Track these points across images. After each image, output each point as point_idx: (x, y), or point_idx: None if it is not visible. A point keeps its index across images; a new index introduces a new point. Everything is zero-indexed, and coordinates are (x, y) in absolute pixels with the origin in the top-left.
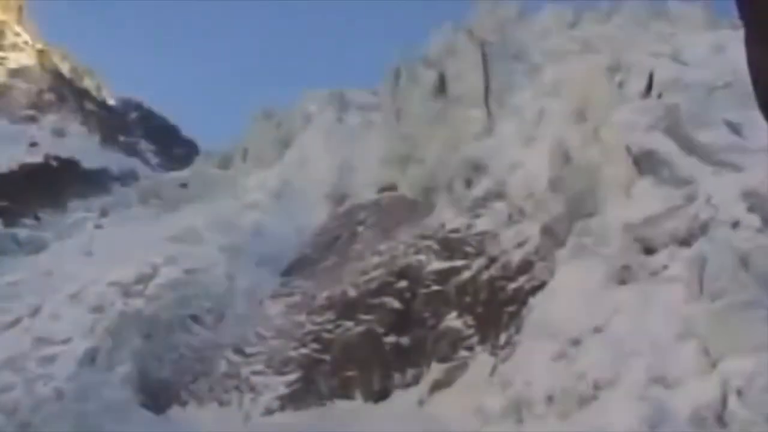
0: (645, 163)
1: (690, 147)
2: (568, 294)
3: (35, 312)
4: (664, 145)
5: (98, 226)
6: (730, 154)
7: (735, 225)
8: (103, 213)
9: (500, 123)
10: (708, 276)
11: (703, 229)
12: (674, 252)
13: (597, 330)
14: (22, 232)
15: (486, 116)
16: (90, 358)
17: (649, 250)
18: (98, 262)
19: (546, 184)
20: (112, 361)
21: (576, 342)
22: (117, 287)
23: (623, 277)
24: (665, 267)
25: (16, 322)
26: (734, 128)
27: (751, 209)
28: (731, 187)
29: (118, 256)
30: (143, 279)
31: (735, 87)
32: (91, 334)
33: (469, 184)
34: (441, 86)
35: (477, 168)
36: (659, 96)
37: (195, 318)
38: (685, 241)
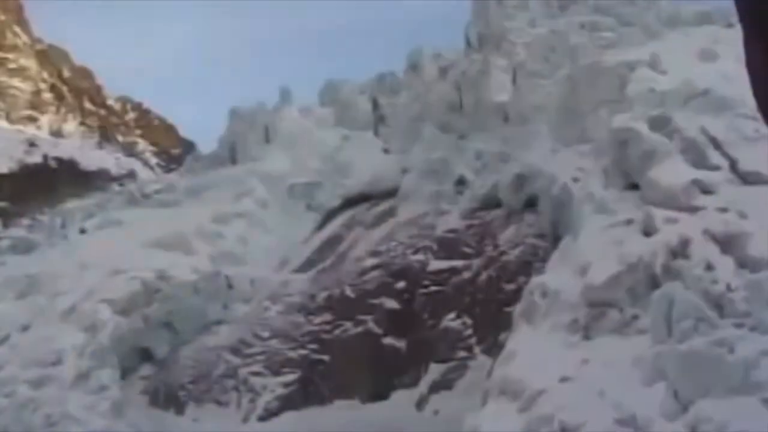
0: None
1: (645, 190)
2: (530, 354)
3: (25, 329)
4: (611, 194)
5: (83, 230)
6: (689, 196)
7: (708, 268)
8: (89, 215)
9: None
10: (676, 317)
11: (675, 276)
12: (643, 304)
13: (563, 379)
14: (18, 233)
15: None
16: (81, 381)
17: (614, 308)
18: (87, 273)
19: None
20: (103, 384)
21: (542, 392)
22: (109, 305)
23: (587, 333)
24: (634, 317)
25: (5, 339)
26: (698, 150)
27: (724, 251)
28: (697, 232)
29: (107, 265)
30: (136, 295)
31: (711, 94)
32: (83, 356)
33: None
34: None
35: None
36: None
37: (188, 331)
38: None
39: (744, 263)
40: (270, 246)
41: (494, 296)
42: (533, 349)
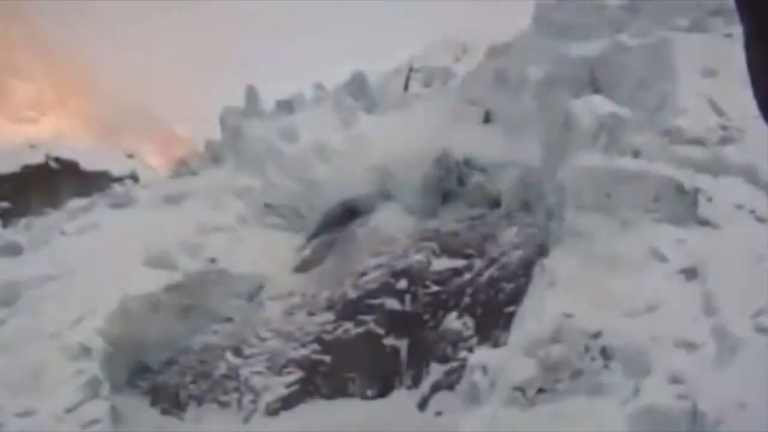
0: None
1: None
2: (490, 422)
3: (10, 352)
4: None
5: (63, 233)
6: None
7: (670, 318)
8: (73, 216)
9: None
10: (641, 371)
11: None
12: (604, 372)
13: None
14: (10, 235)
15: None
16: (71, 413)
17: (565, 381)
18: (72, 293)
19: None
20: (94, 418)
21: None
22: (100, 335)
23: (545, 400)
24: (598, 385)
25: None
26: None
27: (688, 298)
28: (654, 286)
29: (92, 285)
30: (128, 325)
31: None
32: (74, 387)
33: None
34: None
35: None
36: None
37: (183, 342)
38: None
39: (708, 309)
40: (257, 259)
41: (496, 296)
42: (492, 418)
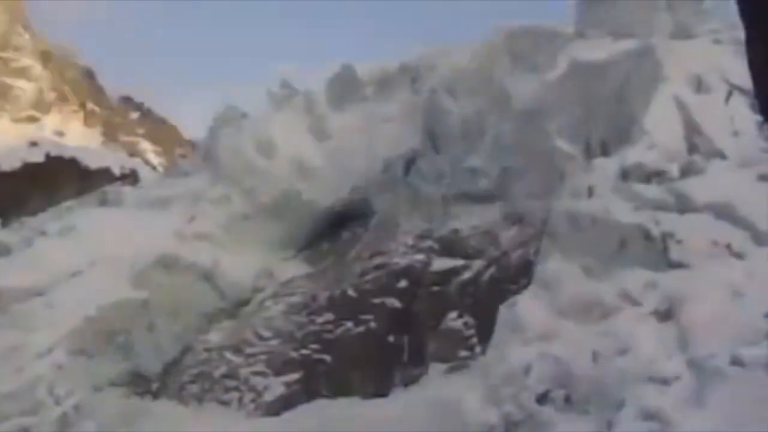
0: None
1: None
2: None
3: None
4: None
5: (45, 234)
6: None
7: (646, 351)
8: (59, 216)
9: None
10: (614, 406)
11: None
12: (573, 409)
13: None
14: (5, 235)
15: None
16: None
17: (527, 422)
18: (56, 312)
19: None
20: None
21: None
22: (89, 359)
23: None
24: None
25: None
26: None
27: (663, 334)
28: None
29: (77, 303)
30: (117, 348)
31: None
32: (65, 408)
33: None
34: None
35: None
36: None
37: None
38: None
39: (683, 346)
40: (250, 265)
41: (496, 296)
42: None
